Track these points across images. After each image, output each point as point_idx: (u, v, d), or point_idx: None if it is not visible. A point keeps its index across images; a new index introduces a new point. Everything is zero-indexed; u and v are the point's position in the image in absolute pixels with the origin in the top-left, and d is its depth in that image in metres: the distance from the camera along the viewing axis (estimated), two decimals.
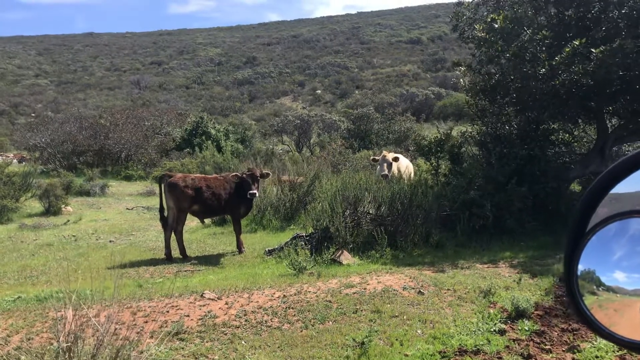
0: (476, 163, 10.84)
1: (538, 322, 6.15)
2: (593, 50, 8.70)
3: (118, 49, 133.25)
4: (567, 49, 8.98)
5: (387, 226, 9.07)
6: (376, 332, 5.72)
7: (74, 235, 11.67)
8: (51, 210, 14.78)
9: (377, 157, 11.80)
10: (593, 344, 5.43)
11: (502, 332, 5.85)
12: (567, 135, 11.15)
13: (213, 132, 30.67)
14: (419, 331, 5.83)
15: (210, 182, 9.31)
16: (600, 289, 1.19)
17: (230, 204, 9.42)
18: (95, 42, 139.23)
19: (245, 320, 5.89)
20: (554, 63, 9.16)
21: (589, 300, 1.21)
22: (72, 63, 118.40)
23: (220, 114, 66.42)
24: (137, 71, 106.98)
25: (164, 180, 9.21)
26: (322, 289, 6.81)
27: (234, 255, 9.37)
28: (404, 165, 11.90)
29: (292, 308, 6.23)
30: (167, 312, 6.00)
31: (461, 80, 11.11)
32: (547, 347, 5.57)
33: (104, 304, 5.79)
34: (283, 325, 5.86)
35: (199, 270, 8.49)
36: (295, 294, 6.64)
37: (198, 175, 9.76)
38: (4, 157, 30.75)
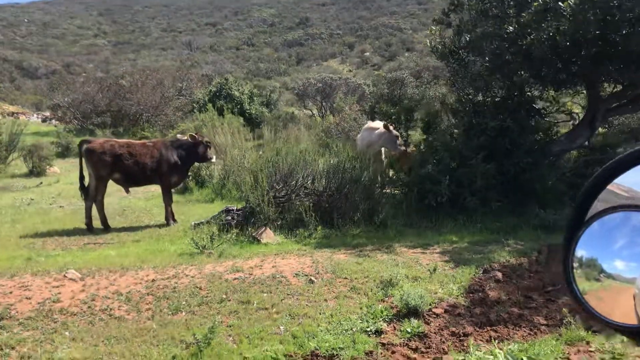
0: (444, 133, 9.75)
1: (431, 323, 5.31)
2: (561, 3, 7.42)
3: (176, 9, 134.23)
4: (536, 4, 7.74)
5: (322, 202, 8.22)
6: (230, 327, 5.06)
7: (32, 199, 11.43)
8: (35, 172, 14.67)
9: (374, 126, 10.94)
10: (468, 355, 4.53)
11: (378, 333, 5.08)
12: (551, 104, 9.83)
13: (237, 94, 30.08)
14: (281, 327, 5.10)
15: (134, 149, 8.70)
16: (601, 275, 1.24)
17: (159, 173, 8.80)
18: (155, 2, 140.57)
19: (88, 307, 5.30)
20: (522, 20, 7.94)
21: (589, 286, 1.27)
22: (131, 23, 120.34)
23: (264, 76, 66.02)
24: (191, 32, 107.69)
25: (82, 146, 8.65)
26: (203, 273, 6.15)
27: (160, 227, 8.78)
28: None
29: (152, 294, 5.61)
30: (11, 293, 5.47)
31: (428, 41, 9.93)
32: (414, 355, 4.73)
33: None
34: (129, 314, 5.24)
35: (109, 243, 7.97)
36: (169, 278, 6.01)
37: (121, 140, 9.15)
38: (27, 116, 31.41)
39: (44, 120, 28.73)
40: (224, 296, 5.61)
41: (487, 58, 9.15)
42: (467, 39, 9.25)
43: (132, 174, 8.70)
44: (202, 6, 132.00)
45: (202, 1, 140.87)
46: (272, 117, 29.08)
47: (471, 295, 5.86)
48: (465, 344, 4.77)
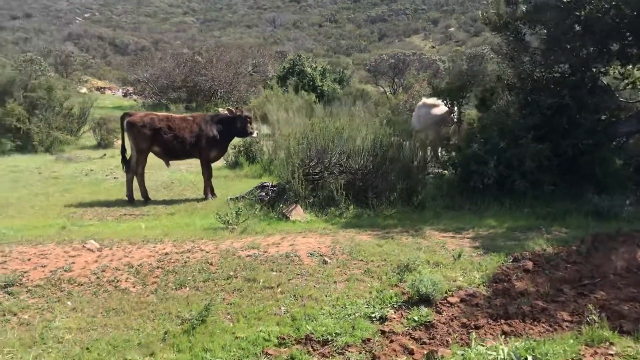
0: (498, 111, 9.13)
1: (443, 312, 4.99)
2: None
3: None
4: None
5: (357, 181, 7.95)
6: (231, 304, 4.99)
7: (92, 170, 11.88)
8: (102, 144, 15.26)
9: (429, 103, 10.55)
10: (469, 349, 4.20)
11: (382, 320, 4.85)
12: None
13: (309, 70, 29.96)
14: (282, 308, 4.98)
15: (173, 123, 8.76)
16: None
17: (198, 147, 8.84)
18: None
19: (97, 278, 5.39)
20: None
21: None
22: (219, 1, 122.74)
23: (345, 52, 65.56)
24: (276, 9, 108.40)
25: (124, 119, 8.81)
26: (219, 249, 6.10)
27: (199, 201, 8.83)
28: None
29: (162, 268, 5.63)
30: (29, 260, 5.65)
31: (480, 12, 9.26)
32: (413, 346, 4.45)
33: None
34: (134, 287, 5.29)
35: (145, 215, 8.11)
36: (183, 252, 6.00)
37: (161, 114, 9.23)
38: (112, 91, 32.85)
39: (124, 95, 29.97)
40: (232, 273, 5.53)
41: (544, 31, 8.42)
42: (524, 10, 8.54)
43: (171, 148, 8.79)
44: None
45: None
46: (344, 93, 28.73)
47: (495, 285, 5.44)
48: (466, 336, 4.44)
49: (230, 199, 8.44)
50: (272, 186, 8.28)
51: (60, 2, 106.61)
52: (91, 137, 16.02)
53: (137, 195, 8.91)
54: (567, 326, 4.67)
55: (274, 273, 5.56)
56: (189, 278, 5.42)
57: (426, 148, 9.11)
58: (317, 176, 7.98)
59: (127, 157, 8.88)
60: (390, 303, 5.06)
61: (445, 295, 5.21)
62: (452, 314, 4.96)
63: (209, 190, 8.97)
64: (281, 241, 6.36)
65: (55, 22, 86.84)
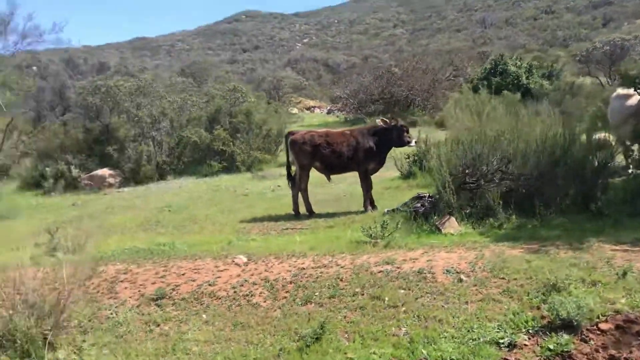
0: None
1: (590, 341, 4.31)
2: None
3: None
4: None
5: (519, 188, 7.25)
6: (352, 323, 4.92)
7: (279, 186, 12.67)
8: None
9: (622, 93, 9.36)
10: None
11: (512, 347, 4.34)
12: None
13: (513, 69, 28.34)
14: (403, 329, 4.76)
15: (331, 138, 8.94)
16: None
17: (356, 160, 8.89)
18: None
19: (234, 292, 5.72)
20: None
21: None
22: (428, 9, 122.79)
23: (562, 44, 60.55)
24: (487, 8, 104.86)
25: (287, 138, 9.25)
26: (354, 263, 6.03)
27: (357, 214, 8.85)
28: None
29: (294, 283, 5.75)
30: (183, 274, 6.23)
31: None
32: None
33: (153, 260, 6.40)
34: (265, 301, 5.50)
35: (305, 229, 8.37)
36: (319, 267, 6.06)
37: (321, 130, 9.42)
38: (321, 110, 34.74)
39: (328, 112, 31.55)
40: (359, 290, 5.42)
41: None
42: None
43: (331, 162, 8.98)
44: None
45: None
46: (553, 89, 26.54)
47: None
48: None
49: (388, 211, 8.30)
50: (428, 197, 7.94)
51: (283, 32, 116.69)
52: None
53: (303, 209, 9.28)
54: None
55: (402, 291, 5.30)
56: (316, 294, 5.44)
57: (608, 145, 7.88)
58: (474, 184, 7.44)
59: (292, 173, 9.32)
60: (525, 328, 4.47)
61: (597, 320, 4.43)
62: (601, 344, 4.22)
63: (368, 203, 8.95)
64: (421, 256, 6.05)
65: (278, 51, 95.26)
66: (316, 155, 8.96)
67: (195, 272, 6.24)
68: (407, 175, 11.53)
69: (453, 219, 7.24)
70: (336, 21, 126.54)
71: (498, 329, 4.51)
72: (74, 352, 4.86)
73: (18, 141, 18.57)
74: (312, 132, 9.33)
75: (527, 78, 27.90)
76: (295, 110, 34.44)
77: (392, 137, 8.91)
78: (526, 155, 7.29)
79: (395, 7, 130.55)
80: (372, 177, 11.77)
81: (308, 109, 37.88)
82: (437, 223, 7.25)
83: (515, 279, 5.22)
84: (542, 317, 4.55)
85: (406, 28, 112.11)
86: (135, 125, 16.00)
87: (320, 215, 9.14)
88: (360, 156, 8.88)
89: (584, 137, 7.60)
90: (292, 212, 9.28)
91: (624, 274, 4.98)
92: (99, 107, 16.78)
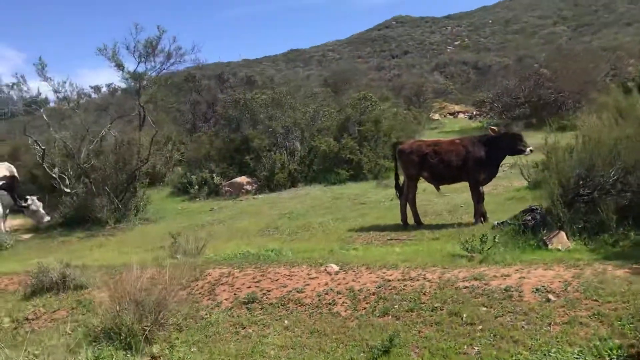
0: None
1: None
2: None
3: None
4: None
5: (638, 201, 6.60)
6: (425, 338, 4.91)
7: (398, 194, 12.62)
8: None
9: None
10: None
11: None
12: None
13: None
14: (475, 349, 4.64)
15: (439, 148, 8.74)
16: None
17: (466, 170, 8.60)
18: None
19: (319, 300, 5.91)
20: None
21: None
22: (594, 3, 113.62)
23: None
24: None
25: (395, 148, 9.20)
26: (442, 278, 5.90)
27: (468, 226, 8.55)
28: None
29: (377, 294, 5.80)
30: (277, 280, 6.54)
31: None
32: None
33: (255, 265, 6.91)
34: (345, 311, 5.63)
35: (410, 239, 8.28)
36: (405, 279, 6.03)
37: (430, 140, 9.20)
38: (466, 114, 33.69)
39: (470, 117, 30.58)
40: (439, 305, 5.32)
41: None
42: None
43: (439, 173, 8.80)
44: None
45: None
46: None
47: None
48: None
49: (497, 224, 7.95)
50: (540, 209, 7.47)
51: (433, 35, 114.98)
52: None
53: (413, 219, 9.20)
54: None
55: (483, 308, 5.11)
56: (395, 306, 5.44)
57: None
58: (588, 197, 6.87)
59: (401, 183, 9.27)
60: (609, 356, 4.16)
61: None
62: None
63: (479, 214, 8.62)
64: (514, 273, 5.75)
65: (427, 55, 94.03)
66: (424, 165, 8.84)
67: (288, 279, 6.51)
68: (534, 185, 10.86)
69: (562, 233, 6.76)
70: (490, 21, 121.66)
71: (578, 354, 4.23)
72: (167, 348, 5.34)
73: (173, 151, 20.47)
74: (420, 141, 9.23)
75: None
76: (437, 116, 33.87)
77: (503, 145, 8.50)
78: None
79: (557, 3, 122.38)
80: (497, 186, 11.37)
81: (452, 114, 36.98)
82: (544, 238, 6.83)
83: (609, 302, 4.80)
84: (631, 346, 4.14)
85: (568, 24, 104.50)
86: (270, 135, 16.91)
87: (429, 227, 8.99)
88: (470, 166, 8.59)
89: None
90: (401, 222, 9.23)
91: None
92: (238, 119, 18.01)
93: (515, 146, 8.46)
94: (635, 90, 20.23)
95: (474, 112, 30.01)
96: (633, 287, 4.95)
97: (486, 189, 11.18)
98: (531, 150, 8.37)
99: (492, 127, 8.86)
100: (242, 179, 16.66)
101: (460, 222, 8.90)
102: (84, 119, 15.66)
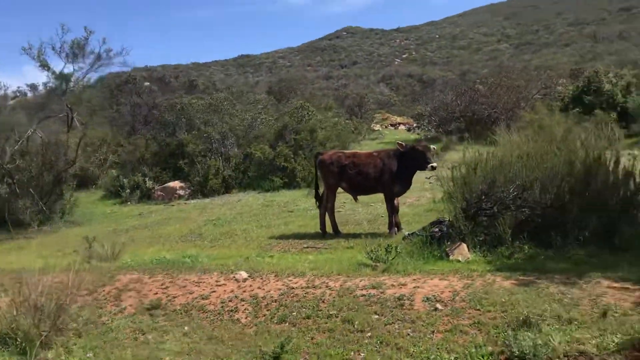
0: None
1: None
2: None
3: (586, 1, 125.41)
4: None
5: (534, 217, 6.99)
6: (317, 345, 5.05)
7: (344, 203, 12.71)
8: None
9: None
10: None
11: None
12: None
13: (607, 87, 26.81)
14: (361, 355, 4.81)
15: (358, 159, 9.00)
16: None
17: (382, 181, 8.88)
18: None
19: (222, 307, 6.01)
20: None
21: None
22: (536, 23, 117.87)
23: None
24: (601, 22, 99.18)
25: (316, 158, 9.42)
26: (342, 286, 6.09)
27: (382, 236, 8.81)
28: None
29: (279, 302, 5.93)
30: (184, 287, 6.59)
31: None
32: None
33: (166, 272, 6.88)
34: (246, 318, 5.77)
35: (325, 248, 8.49)
36: (308, 287, 6.20)
37: (349, 151, 9.49)
38: (406, 126, 34.46)
39: (408, 130, 31.31)
40: (335, 312, 5.51)
41: None
42: None
43: (357, 184, 9.05)
44: None
45: None
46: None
47: (637, 354, 4.21)
48: None
49: (408, 234, 8.24)
50: (447, 222, 7.80)
51: (382, 47, 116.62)
52: None
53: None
54: None
55: (375, 316, 5.33)
56: (294, 313, 5.58)
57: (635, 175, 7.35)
58: (489, 211, 7.23)
59: (321, 193, 9.48)
60: None
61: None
62: None
63: (394, 225, 8.90)
64: (411, 282, 6.01)
65: (375, 66, 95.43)
66: (343, 175, 9.07)
67: (196, 285, 6.58)
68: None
69: (464, 245, 7.08)
70: (437, 36, 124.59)
71: None
72: (64, 353, 5.31)
73: (107, 153, 20.11)
74: (340, 152, 9.47)
75: (623, 97, 26.29)
76: (378, 127, 34.46)
77: (413, 160, 8.78)
78: (545, 184, 7.00)
79: (501, 21, 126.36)
80: (421, 198, 11.74)
81: (394, 125, 37.71)
82: (447, 249, 7.13)
83: (489, 311, 5.09)
84: (501, 353, 4.43)
85: (511, 42, 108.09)
86: (206, 141, 16.88)
87: (347, 236, 9.21)
88: (385, 178, 8.86)
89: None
90: (319, 231, 9.43)
91: (604, 313, 4.72)
92: (174, 123, 17.90)
93: (420, 161, 8.72)
94: (557, 110, 21.27)
95: (414, 125, 30.74)
96: (513, 297, 5.26)
97: (409, 200, 11.63)
98: (432, 167, 8.66)
99: (400, 143, 9.15)
100: (175, 184, 16.55)
101: (377, 232, 9.16)
102: (12, 118, 15.22)
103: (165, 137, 18.66)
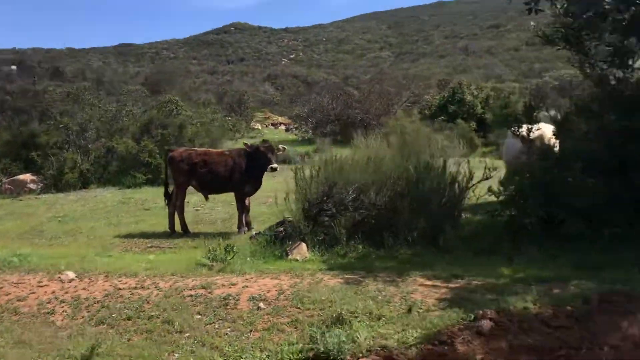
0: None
1: None
2: None
3: (461, 15, 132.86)
4: None
5: (369, 218, 7.29)
6: (133, 347, 4.87)
7: (187, 201, 12.48)
8: None
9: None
10: None
11: None
12: None
13: (469, 98, 28.70)
14: (176, 355, 4.72)
15: (209, 158, 8.93)
16: None
17: (232, 181, 8.87)
18: (443, 11, 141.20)
19: (38, 309, 5.71)
20: None
21: None
22: (416, 33, 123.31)
23: (538, 76, 61.46)
24: (473, 37, 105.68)
25: (167, 154, 9.22)
26: (172, 286, 5.97)
27: (230, 235, 8.80)
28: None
29: (101, 303, 5.70)
30: (1, 288, 6.14)
31: (532, 23, 7.90)
32: None
33: None
34: (62, 320, 5.51)
35: (169, 247, 8.35)
36: (137, 288, 6.03)
37: (200, 149, 9.43)
38: (287, 126, 34.79)
39: (286, 130, 31.64)
40: (156, 313, 5.38)
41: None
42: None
43: (207, 182, 8.96)
44: (487, 9, 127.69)
45: (490, 4, 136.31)
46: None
47: (430, 347, 4.49)
48: None
49: (255, 234, 8.29)
50: (289, 222, 7.94)
51: (270, 46, 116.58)
52: None
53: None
54: None
55: (197, 316, 5.29)
56: (114, 315, 5.39)
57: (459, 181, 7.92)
58: (329, 212, 7.46)
59: (170, 191, 9.28)
60: (290, 359, 4.47)
61: (360, 355, 4.44)
62: None
63: (243, 224, 8.92)
64: (241, 282, 6.04)
65: (262, 65, 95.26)
66: (193, 174, 8.93)
67: (15, 286, 6.17)
68: None
69: (303, 245, 7.25)
70: (324, 39, 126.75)
71: (266, 359, 4.50)
72: None
73: None
74: (191, 150, 9.32)
75: (482, 108, 28.28)
76: (257, 126, 34.46)
77: (258, 160, 8.81)
78: (380, 187, 7.33)
79: (384, 30, 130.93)
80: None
81: (274, 124, 37.89)
82: (288, 249, 7.25)
83: (308, 309, 5.24)
84: (310, 350, 4.55)
85: (392, 50, 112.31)
86: (62, 132, 15.91)
87: (196, 235, 9.08)
88: (235, 177, 8.85)
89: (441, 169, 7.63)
90: (168, 230, 9.22)
91: (409, 309, 5.01)
92: (28, 112, 16.70)
93: (262, 162, 8.80)
94: (419, 118, 22.42)
95: (293, 125, 31.12)
96: (333, 295, 5.45)
97: (271, 200, 11.64)
98: (272, 168, 8.76)
99: (246, 143, 9.20)
100: (27, 177, 15.43)
101: (229, 232, 9.11)
102: None
103: (19, 125, 17.35)
